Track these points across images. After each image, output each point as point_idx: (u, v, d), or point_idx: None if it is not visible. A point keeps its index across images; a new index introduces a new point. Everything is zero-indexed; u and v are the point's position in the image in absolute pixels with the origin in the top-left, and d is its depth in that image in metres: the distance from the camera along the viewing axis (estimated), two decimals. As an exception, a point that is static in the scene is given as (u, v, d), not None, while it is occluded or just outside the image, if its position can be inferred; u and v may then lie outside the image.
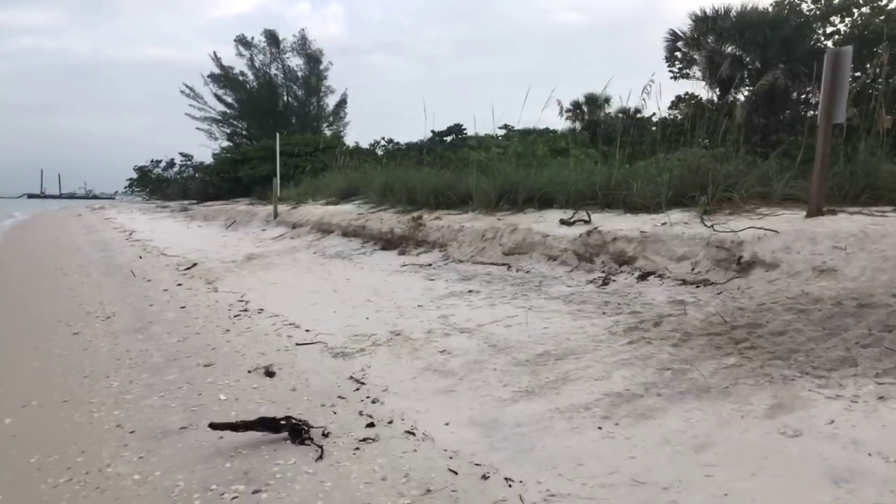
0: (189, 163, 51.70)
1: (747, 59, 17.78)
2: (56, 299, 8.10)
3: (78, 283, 9.31)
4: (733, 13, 18.62)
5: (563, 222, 7.60)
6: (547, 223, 7.76)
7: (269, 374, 4.39)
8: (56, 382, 4.62)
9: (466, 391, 3.74)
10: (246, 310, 6.54)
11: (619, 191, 7.96)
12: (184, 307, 6.95)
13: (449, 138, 35.35)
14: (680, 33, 20.47)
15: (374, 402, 3.72)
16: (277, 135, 16.20)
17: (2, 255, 14.88)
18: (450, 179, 10.46)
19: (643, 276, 6.00)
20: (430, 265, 7.90)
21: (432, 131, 35.83)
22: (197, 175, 47.05)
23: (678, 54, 21.85)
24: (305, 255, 9.97)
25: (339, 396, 3.85)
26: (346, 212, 11.81)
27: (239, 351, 5.06)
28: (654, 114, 12.57)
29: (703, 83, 19.72)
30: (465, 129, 35.74)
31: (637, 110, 33.84)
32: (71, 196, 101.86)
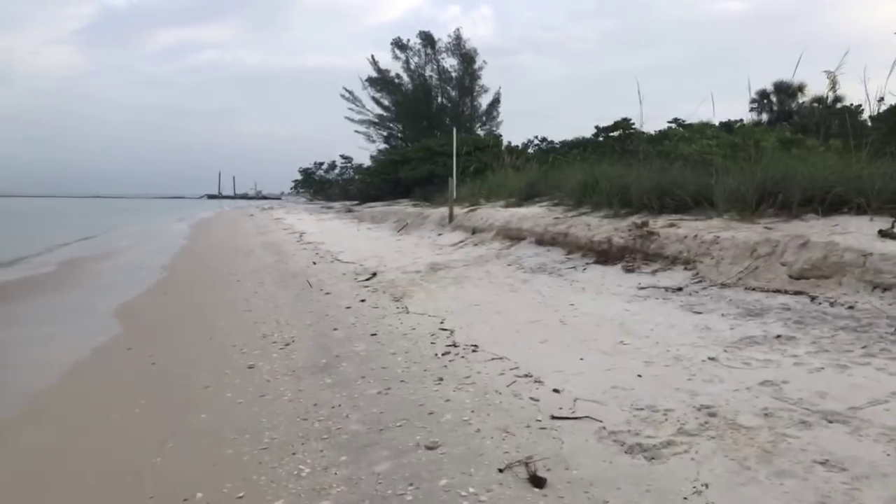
0: (349, 164, 53.18)
1: None
2: (230, 314, 7.17)
3: (252, 294, 8.44)
4: None
5: (883, 234, 5.35)
6: (854, 235, 5.54)
7: (536, 480, 2.75)
8: (227, 456, 3.32)
9: None
10: (454, 345, 5.01)
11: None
12: (374, 335, 5.59)
13: (616, 133, 32.85)
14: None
15: None
16: (454, 130, 14.96)
17: (183, 257, 14.92)
18: (676, 176, 8.41)
19: None
20: (679, 289, 5.96)
21: (597, 127, 33.54)
22: (356, 176, 48.09)
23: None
24: (498, 266, 8.40)
25: (698, 566, 2.09)
26: (537, 215, 10.13)
27: (468, 421, 3.49)
28: (882, 98, 9.57)
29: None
30: (633, 124, 33.02)
31: (837, 99, 29.15)
32: (244, 196, 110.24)
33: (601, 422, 3.29)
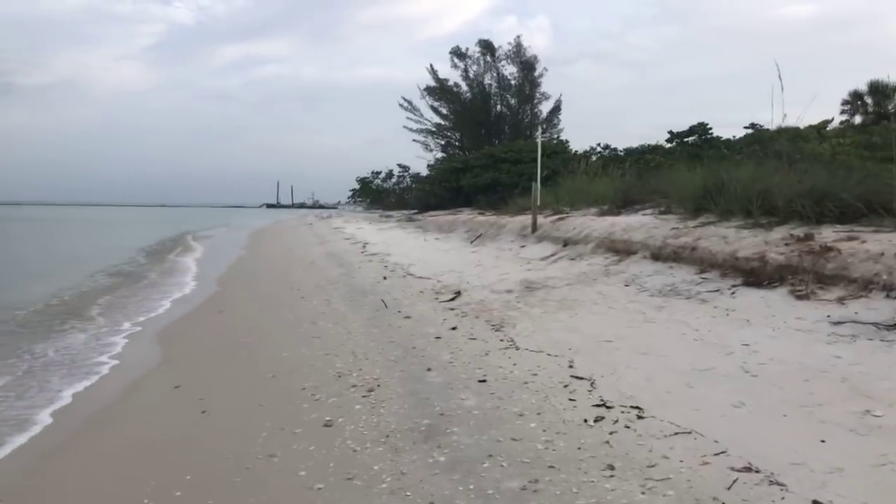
0: (406, 173, 52.46)
1: None
2: (295, 341, 5.97)
3: (319, 314, 7.25)
4: None
5: None
6: None
7: None
8: None
9: None
10: (605, 404, 3.62)
11: None
12: (484, 381, 4.25)
13: (691, 139, 31.05)
14: None
15: None
16: (539, 129, 13.50)
17: (241, 267, 13.99)
18: (839, 179, 6.81)
19: None
20: (894, 325, 4.40)
21: (670, 132, 31.75)
22: (414, 185, 47.19)
23: None
24: (613, 287, 6.96)
25: None
26: (646, 225, 8.63)
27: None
28: None
29: None
30: (710, 129, 31.18)
31: (940, 100, 26.67)
32: (301, 205, 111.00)
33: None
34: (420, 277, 9.40)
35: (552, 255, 9.59)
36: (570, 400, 3.74)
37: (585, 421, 3.40)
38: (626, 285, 6.91)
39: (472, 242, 13.27)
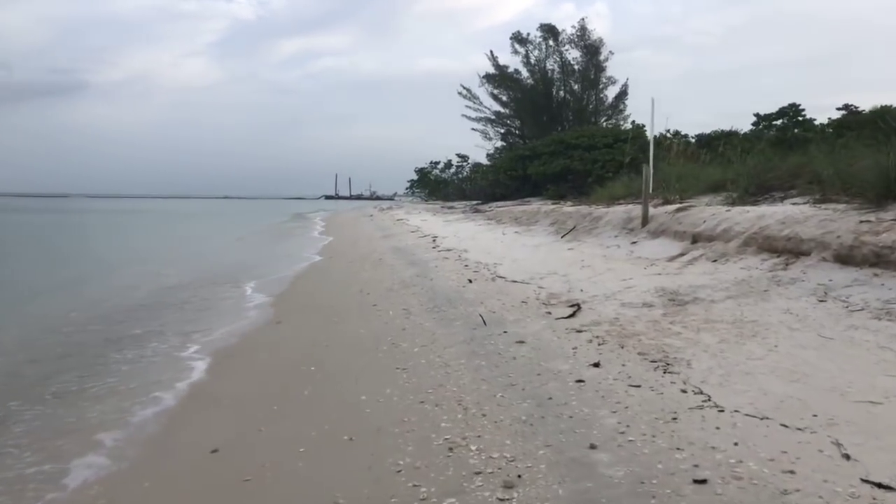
0: (465, 163, 50.83)
1: None
2: (375, 376, 4.39)
3: (398, 331, 5.69)
4: None
5: None
6: None
7: None
8: None
9: None
10: None
11: None
12: (704, 482, 2.53)
13: (779, 122, 28.39)
14: None
15: None
16: (652, 100, 11.44)
17: (303, 265, 12.58)
18: None
19: None
20: None
21: (756, 115, 29.18)
22: (474, 175, 45.51)
23: None
24: (801, 302, 5.07)
25: None
26: (815, 218, 6.64)
27: None
28: None
29: None
30: (803, 111, 28.45)
31: None
32: (359, 197, 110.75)
33: None
34: (514, 282, 7.71)
35: (681, 254, 7.71)
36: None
37: None
38: (821, 300, 5.02)
39: (563, 237, 11.44)
